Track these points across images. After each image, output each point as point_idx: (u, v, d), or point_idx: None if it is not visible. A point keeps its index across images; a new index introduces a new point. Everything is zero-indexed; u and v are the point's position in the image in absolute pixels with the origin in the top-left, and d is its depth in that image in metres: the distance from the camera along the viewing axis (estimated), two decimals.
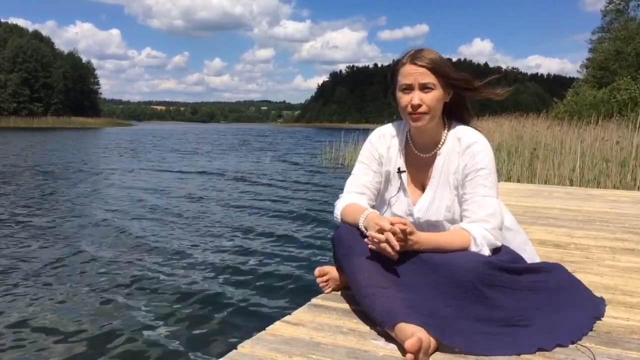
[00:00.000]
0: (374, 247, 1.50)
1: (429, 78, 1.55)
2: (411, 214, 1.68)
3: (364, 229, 1.58)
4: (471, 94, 1.67)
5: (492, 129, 10.92)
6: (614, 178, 6.97)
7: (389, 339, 1.40)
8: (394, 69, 1.64)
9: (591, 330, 1.50)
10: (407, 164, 1.71)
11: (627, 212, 3.78)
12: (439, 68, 1.56)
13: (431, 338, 1.32)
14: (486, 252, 1.52)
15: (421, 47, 1.62)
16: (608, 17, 24.20)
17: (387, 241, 1.46)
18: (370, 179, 1.73)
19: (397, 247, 1.46)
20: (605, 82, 19.38)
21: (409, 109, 1.57)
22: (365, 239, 1.52)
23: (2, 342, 2.99)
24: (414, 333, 1.29)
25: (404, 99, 1.59)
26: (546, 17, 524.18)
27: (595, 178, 7.13)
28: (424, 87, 1.56)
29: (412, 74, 1.56)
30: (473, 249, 1.51)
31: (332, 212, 1.78)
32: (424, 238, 1.51)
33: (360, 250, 1.55)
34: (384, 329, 1.41)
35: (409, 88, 1.57)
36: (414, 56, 1.58)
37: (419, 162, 1.69)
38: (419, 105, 1.56)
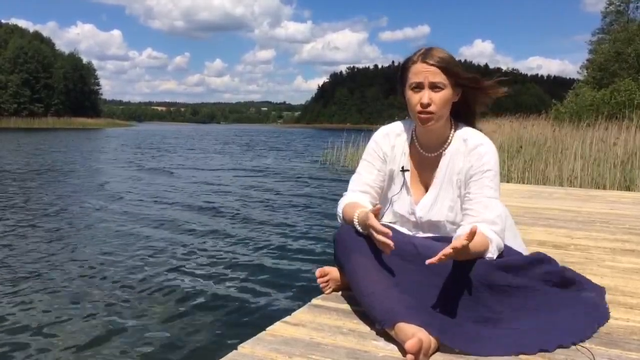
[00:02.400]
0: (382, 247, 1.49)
1: (440, 77, 1.54)
2: (413, 213, 1.68)
3: (359, 228, 1.58)
4: (479, 94, 1.66)
5: (492, 130, 10.94)
6: (614, 179, 6.97)
7: (389, 339, 1.40)
8: (404, 66, 1.62)
9: (594, 332, 1.50)
10: (412, 163, 1.71)
11: (627, 213, 3.78)
12: (450, 67, 1.55)
13: (431, 338, 1.32)
14: (494, 257, 1.51)
15: (431, 46, 1.61)
16: (608, 18, 24.24)
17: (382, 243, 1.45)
18: (373, 177, 1.72)
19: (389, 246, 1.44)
20: (605, 84, 19.39)
21: (418, 107, 1.56)
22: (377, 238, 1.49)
23: (2, 342, 2.99)
24: (414, 334, 1.29)
25: (414, 97, 1.58)
26: (547, 18, 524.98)
27: (594, 179, 7.13)
28: (434, 86, 1.55)
29: (422, 72, 1.55)
30: (488, 255, 1.49)
31: (333, 213, 1.78)
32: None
33: (360, 249, 1.55)
34: (383, 328, 1.41)
35: (419, 86, 1.57)
36: (425, 54, 1.57)
37: (423, 161, 1.69)
38: (429, 104, 1.55)
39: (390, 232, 1.44)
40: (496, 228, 1.53)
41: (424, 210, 1.66)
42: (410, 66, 1.59)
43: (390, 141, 1.73)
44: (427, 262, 1.35)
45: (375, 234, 1.46)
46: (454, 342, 1.35)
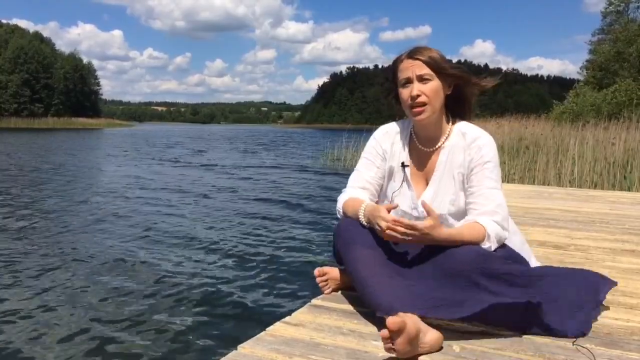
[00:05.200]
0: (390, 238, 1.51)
1: (426, 69, 1.59)
2: (415, 208, 1.69)
3: (365, 223, 1.61)
4: (470, 86, 1.68)
5: (492, 130, 10.92)
6: (614, 179, 6.97)
7: None
8: (393, 68, 1.67)
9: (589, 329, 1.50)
10: (411, 158, 1.73)
11: (627, 213, 3.78)
12: (435, 62, 1.60)
13: (420, 329, 1.31)
14: (493, 247, 1.54)
15: (418, 45, 1.66)
16: (608, 18, 24.22)
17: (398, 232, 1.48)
18: (373, 174, 1.75)
19: (406, 236, 1.48)
20: (606, 84, 19.37)
21: (410, 101, 1.60)
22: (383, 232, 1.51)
23: (2, 339, 2.99)
24: (403, 318, 1.28)
25: (404, 93, 1.62)
26: (548, 18, 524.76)
27: (594, 180, 7.12)
28: (422, 79, 1.60)
29: (409, 67, 1.61)
30: (485, 244, 1.52)
31: (333, 213, 1.79)
32: (440, 232, 1.50)
33: (361, 240, 1.58)
34: (388, 315, 1.39)
35: (408, 82, 1.61)
36: (411, 52, 1.63)
37: (422, 156, 1.71)
38: (418, 95, 1.59)
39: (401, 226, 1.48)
40: (497, 218, 1.57)
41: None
42: (399, 65, 1.65)
43: (390, 139, 1.75)
44: (386, 229, 1.47)
45: (389, 226, 1.48)
46: (455, 314, 1.38)
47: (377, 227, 1.54)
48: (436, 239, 1.49)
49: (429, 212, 1.49)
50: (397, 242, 1.52)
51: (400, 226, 1.47)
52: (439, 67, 1.60)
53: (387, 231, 1.48)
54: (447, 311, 1.39)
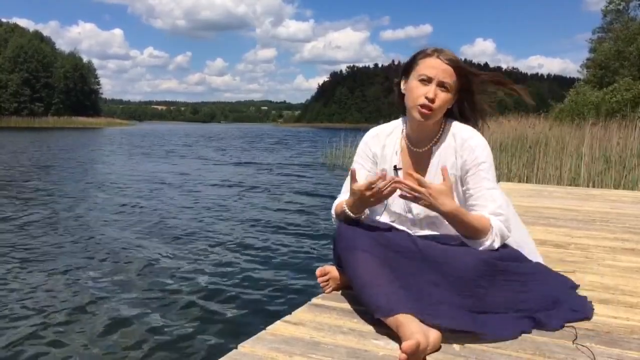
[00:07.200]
0: (406, 193, 1.52)
1: (450, 79, 1.58)
2: (410, 211, 1.69)
3: (351, 214, 1.63)
4: (474, 99, 1.68)
5: (492, 129, 10.91)
6: (614, 178, 6.97)
7: (389, 338, 1.41)
8: (414, 58, 1.64)
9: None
10: (403, 161, 1.72)
11: (627, 211, 3.78)
12: (463, 69, 1.60)
13: (429, 339, 1.32)
14: (496, 245, 1.53)
15: (448, 50, 1.63)
16: (608, 17, 24.20)
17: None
18: (363, 178, 1.73)
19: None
20: (606, 82, 19.36)
21: (422, 99, 1.57)
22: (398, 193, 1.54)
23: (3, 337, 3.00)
24: (413, 334, 1.29)
25: (420, 89, 1.59)
26: (548, 17, 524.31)
27: (594, 178, 7.12)
28: (442, 85, 1.58)
29: (436, 67, 1.58)
30: (488, 239, 1.52)
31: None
32: (446, 203, 1.50)
33: (361, 244, 1.57)
34: (388, 316, 1.40)
35: (428, 80, 1.58)
36: (440, 51, 1.60)
37: (414, 157, 1.71)
38: (433, 100, 1.57)
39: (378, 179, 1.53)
40: (502, 218, 1.56)
41: (420, 207, 1.66)
42: (423, 58, 1.61)
43: (380, 141, 1.74)
44: (394, 179, 1.53)
45: (395, 180, 1.53)
46: (452, 324, 1.38)
47: (370, 199, 1.56)
48: (441, 208, 1.49)
49: (445, 179, 1.51)
50: (403, 197, 1.54)
51: (407, 181, 1.50)
52: (465, 73, 1.60)
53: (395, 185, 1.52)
54: (445, 319, 1.38)
